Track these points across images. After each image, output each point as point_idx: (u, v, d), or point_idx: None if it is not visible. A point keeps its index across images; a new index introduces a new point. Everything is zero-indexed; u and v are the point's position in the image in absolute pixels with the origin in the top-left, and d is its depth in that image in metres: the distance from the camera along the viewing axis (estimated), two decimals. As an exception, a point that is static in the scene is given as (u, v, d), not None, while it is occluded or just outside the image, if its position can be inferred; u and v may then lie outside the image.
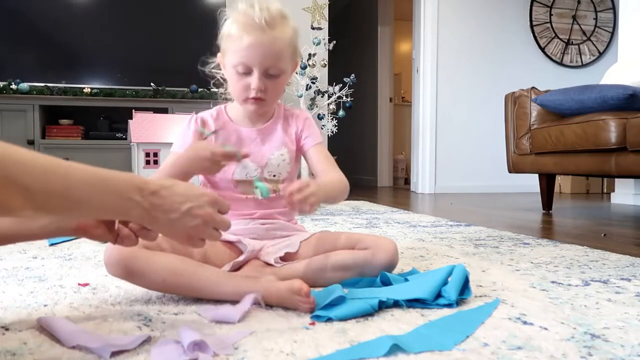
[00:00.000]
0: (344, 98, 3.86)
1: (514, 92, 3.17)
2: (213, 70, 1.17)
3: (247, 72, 1.06)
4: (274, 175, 1.17)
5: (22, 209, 0.58)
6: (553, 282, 1.17)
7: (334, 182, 1.13)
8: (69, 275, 1.21)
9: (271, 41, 1.04)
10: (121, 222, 0.81)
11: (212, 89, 1.16)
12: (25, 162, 0.58)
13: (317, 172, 1.20)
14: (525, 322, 0.85)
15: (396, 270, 1.21)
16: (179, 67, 4.08)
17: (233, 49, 1.06)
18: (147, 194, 0.71)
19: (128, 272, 0.94)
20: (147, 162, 2.96)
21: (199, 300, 0.95)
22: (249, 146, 1.15)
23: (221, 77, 1.17)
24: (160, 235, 1.00)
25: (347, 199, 3.85)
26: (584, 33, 5.38)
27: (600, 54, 5.39)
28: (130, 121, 3.04)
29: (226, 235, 1.09)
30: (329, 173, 1.16)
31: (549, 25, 5.27)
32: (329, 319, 0.84)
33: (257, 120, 1.18)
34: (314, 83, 3.88)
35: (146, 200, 0.70)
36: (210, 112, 1.19)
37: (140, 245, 0.93)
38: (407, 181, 6.77)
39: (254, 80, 1.05)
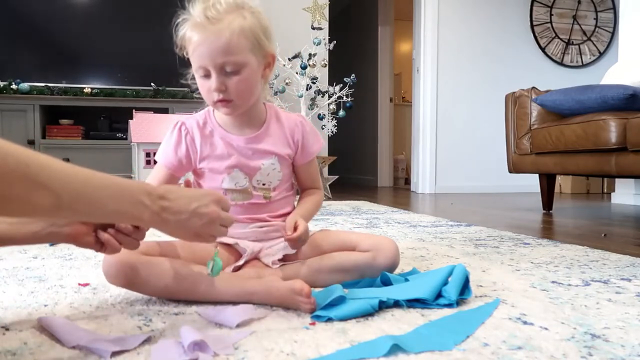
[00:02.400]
0: (344, 98, 3.86)
1: (514, 92, 3.17)
2: (191, 81, 1.10)
3: (207, 74, 1.01)
4: (264, 184, 1.13)
5: (51, 210, 0.63)
6: (553, 282, 1.17)
7: (314, 206, 1.21)
8: (69, 275, 1.21)
9: (215, 35, 0.97)
10: (104, 229, 0.81)
11: (196, 96, 1.09)
12: (52, 168, 0.63)
13: (300, 186, 1.24)
14: (525, 322, 0.85)
15: (397, 270, 1.21)
16: (180, 67, 4.08)
17: (190, 53, 1.03)
18: (155, 198, 0.75)
19: (129, 281, 0.93)
20: (148, 162, 2.96)
21: (199, 300, 0.95)
22: (238, 155, 1.10)
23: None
24: (158, 242, 1.00)
25: (348, 199, 3.86)
26: (584, 33, 5.38)
27: (601, 54, 5.39)
28: (130, 121, 3.04)
29: (224, 238, 1.08)
30: (311, 192, 1.23)
31: (549, 25, 5.27)
32: (330, 319, 0.84)
33: (246, 125, 1.12)
34: (314, 83, 3.88)
35: (156, 204, 0.74)
36: (197, 119, 1.14)
37: (140, 253, 0.93)
38: (408, 181, 6.77)
39: (212, 81, 1.00)
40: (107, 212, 0.70)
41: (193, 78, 1.07)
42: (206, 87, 1.02)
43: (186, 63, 1.07)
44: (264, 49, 1.04)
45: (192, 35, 1.00)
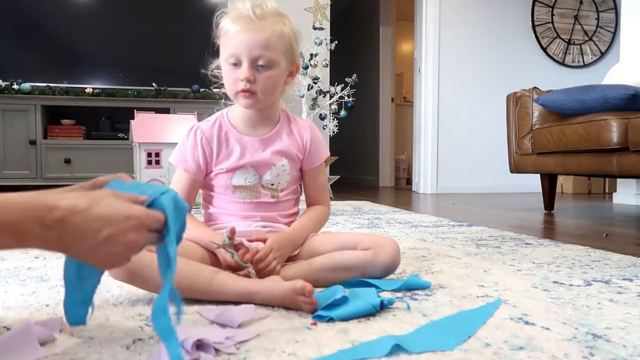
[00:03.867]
0: (346, 98, 3.86)
1: (515, 92, 3.16)
2: (215, 71, 1.15)
3: (237, 63, 1.06)
4: (272, 184, 1.15)
5: None
6: (555, 282, 1.17)
7: (312, 222, 1.18)
8: (71, 275, 1.21)
9: (258, 29, 1.04)
10: None
11: (213, 89, 1.14)
12: None
13: (306, 199, 1.26)
14: (527, 322, 0.85)
15: (398, 270, 1.21)
16: (181, 67, 4.09)
17: (224, 42, 1.08)
18: (51, 223, 0.59)
19: (131, 276, 0.93)
20: (149, 162, 2.96)
21: (200, 300, 0.95)
22: (251, 155, 1.14)
23: (221, 77, 1.15)
24: None
25: (349, 199, 3.86)
26: (585, 33, 5.37)
27: (602, 54, 5.38)
28: (131, 121, 3.04)
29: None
30: (314, 208, 1.22)
31: (550, 25, 5.27)
32: (331, 319, 0.84)
33: (260, 126, 1.16)
34: (315, 83, 3.88)
35: (51, 232, 0.59)
36: (212, 122, 1.16)
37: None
38: (409, 181, 6.77)
39: (242, 70, 1.05)
40: None
41: (215, 69, 1.14)
42: (233, 76, 1.07)
43: (214, 54, 1.13)
44: (293, 56, 1.12)
45: (234, 25, 1.06)
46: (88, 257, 0.64)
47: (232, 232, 1.02)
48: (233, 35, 1.05)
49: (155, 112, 3.16)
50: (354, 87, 3.84)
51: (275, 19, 1.07)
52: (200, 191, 1.20)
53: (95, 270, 0.71)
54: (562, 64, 5.29)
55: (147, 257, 0.92)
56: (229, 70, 1.08)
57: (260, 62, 1.05)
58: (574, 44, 5.34)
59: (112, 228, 0.62)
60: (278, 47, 1.07)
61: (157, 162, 2.98)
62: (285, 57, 1.09)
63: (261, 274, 1.02)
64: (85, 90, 4.10)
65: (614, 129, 2.39)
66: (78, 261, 0.68)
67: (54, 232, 0.59)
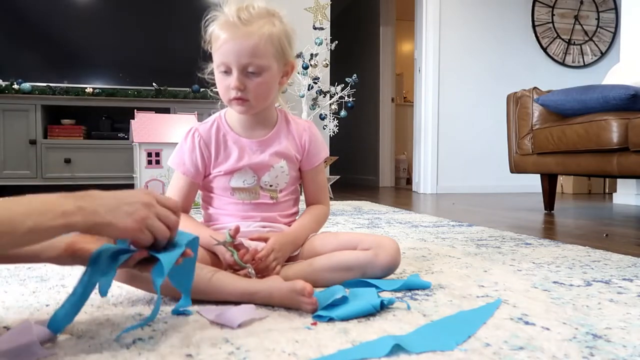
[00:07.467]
0: (346, 98, 3.86)
1: (515, 92, 3.17)
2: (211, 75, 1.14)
3: (228, 71, 1.05)
4: (271, 186, 1.15)
5: None
6: (555, 282, 1.17)
7: (313, 221, 1.19)
8: (71, 275, 1.21)
9: (244, 36, 1.02)
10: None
11: (213, 91, 1.14)
12: None
13: (306, 198, 1.25)
14: (527, 322, 0.85)
15: (398, 270, 1.21)
16: (181, 67, 4.09)
17: (214, 49, 1.07)
18: (76, 197, 0.69)
19: (131, 277, 0.93)
20: (149, 162, 2.96)
21: (200, 300, 0.95)
22: (250, 157, 1.13)
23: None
24: None
25: (349, 199, 3.85)
26: (586, 33, 5.37)
27: (602, 54, 5.38)
28: (132, 121, 3.04)
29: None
30: (314, 207, 1.22)
31: (550, 25, 5.27)
32: (331, 319, 0.84)
33: (257, 127, 1.16)
34: (315, 83, 3.88)
35: (78, 201, 0.69)
36: (210, 124, 1.16)
37: None
38: (409, 181, 6.77)
39: (232, 79, 1.04)
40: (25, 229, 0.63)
41: (210, 73, 1.12)
42: (225, 84, 1.06)
43: (207, 58, 1.11)
44: (286, 57, 1.10)
45: (221, 33, 1.04)
46: (115, 215, 0.71)
47: (236, 230, 1.02)
48: (221, 44, 1.04)
49: (155, 112, 3.16)
50: (354, 87, 3.84)
51: (263, 21, 1.04)
52: (200, 191, 1.20)
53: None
54: (562, 64, 5.29)
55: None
56: (221, 78, 1.07)
57: (250, 69, 1.03)
58: (574, 44, 5.34)
59: (125, 194, 0.75)
60: (267, 51, 1.04)
61: (157, 162, 2.97)
62: (277, 59, 1.07)
63: (261, 274, 1.02)
64: (86, 90, 4.10)
65: (614, 129, 2.39)
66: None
67: (80, 201, 0.69)
